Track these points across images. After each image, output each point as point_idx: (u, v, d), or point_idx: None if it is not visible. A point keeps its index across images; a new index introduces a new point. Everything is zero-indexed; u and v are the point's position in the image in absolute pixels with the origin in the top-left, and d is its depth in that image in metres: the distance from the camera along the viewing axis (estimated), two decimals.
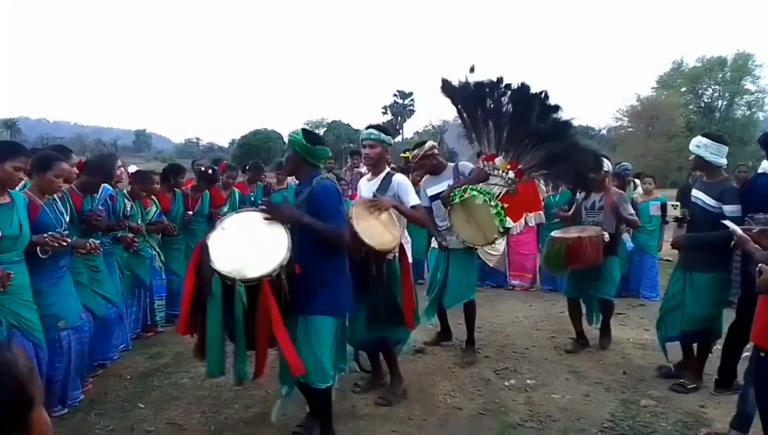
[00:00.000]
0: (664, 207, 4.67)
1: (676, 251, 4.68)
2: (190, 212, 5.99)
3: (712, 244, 4.06)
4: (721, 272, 4.19)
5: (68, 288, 3.63)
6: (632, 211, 5.33)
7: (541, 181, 5.31)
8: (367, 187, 4.14)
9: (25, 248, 3.21)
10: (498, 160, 4.84)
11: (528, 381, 4.49)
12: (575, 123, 5.05)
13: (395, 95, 69.13)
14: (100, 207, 4.24)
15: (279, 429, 3.51)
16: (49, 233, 3.30)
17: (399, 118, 68.61)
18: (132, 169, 5.58)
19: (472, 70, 4.95)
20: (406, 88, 73.01)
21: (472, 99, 4.99)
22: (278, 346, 2.96)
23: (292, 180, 6.90)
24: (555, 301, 7.28)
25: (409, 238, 4.26)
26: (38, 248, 3.27)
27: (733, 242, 3.66)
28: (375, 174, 4.13)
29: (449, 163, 4.96)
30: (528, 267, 8.16)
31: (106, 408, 3.85)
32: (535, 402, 4.08)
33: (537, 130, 4.79)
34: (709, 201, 4.12)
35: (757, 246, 2.99)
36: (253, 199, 7.11)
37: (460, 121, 5.26)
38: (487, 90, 4.89)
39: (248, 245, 2.97)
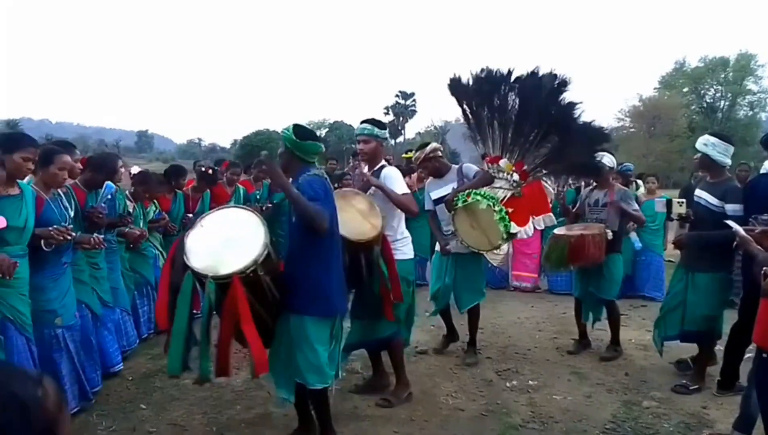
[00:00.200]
0: (669, 203, 4.64)
1: (678, 252, 4.67)
2: (190, 215, 6.00)
3: (714, 243, 4.06)
4: (723, 272, 4.19)
5: (68, 286, 3.64)
6: (636, 206, 5.25)
7: (548, 182, 5.16)
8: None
9: (29, 242, 3.21)
10: (503, 162, 4.77)
11: (530, 382, 4.48)
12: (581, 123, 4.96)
13: (397, 96, 69.20)
14: (103, 204, 4.26)
15: (280, 430, 3.51)
16: (54, 227, 3.30)
17: (401, 118, 68.63)
18: (135, 169, 5.59)
19: (483, 71, 4.88)
20: (408, 89, 73.10)
21: (479, 96, 4.91)
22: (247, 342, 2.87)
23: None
24: (557, 302, 7.28)
25: (407, 234, 4.11)
26: (42, 241, 3.27)
27: (735, 243, 3.66)
28: (371, 169, 4.10)
29: (453, 166, 4.90)
30: (531, 267, 8.10)
31: (108, 409, 3.85)
32: (536, 403, 4.07)
33: (545, 117, 4.68)
34: (713, 200, 4.12)
35: (759, 247, 2.98)
36: (258, 197, 7.12)
37: (462, 121, 5.20)
38: (494, 84, 4.81)
39: (224, 242, 2.94)
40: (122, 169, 5.11)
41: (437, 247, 5.01)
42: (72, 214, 3.73)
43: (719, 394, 4.14)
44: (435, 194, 4.82)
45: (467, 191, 4.42)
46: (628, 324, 6.25)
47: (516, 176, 4.75)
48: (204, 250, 2.91)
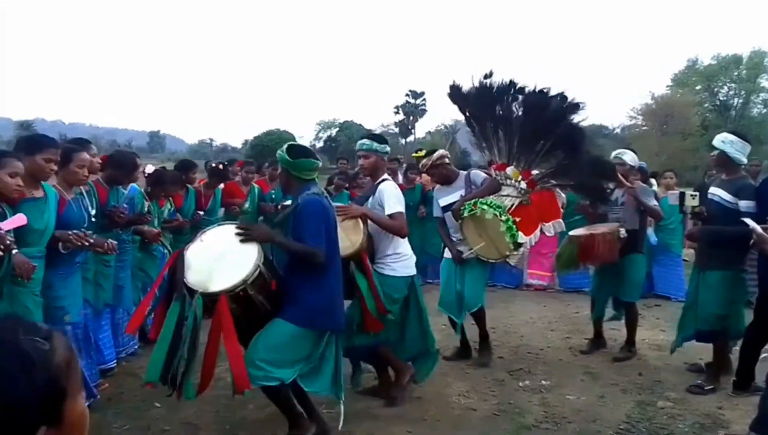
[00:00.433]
0: (682, 196, 4.59)
1: (693, 252, 4.64)
2: (201, 212, 6.03)
3: (726, 238, 4.06)
4: (734, 270, 4.17)
5: (77, 284, 3.70)
6: (656, 202, 5.12)
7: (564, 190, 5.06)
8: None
9: (47, 244, 3.26)
10: (510, 170, 4.73)
11: (542, 382, 4.46)
12: (588, 122, 4.90)
13: (407, 95, 68.95)
14: (125, 204, 4.33)
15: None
16: (74, 232, 3.35)
17: (411, 117, 68.42)
18: (149, 168, 5.62)
19: (489, 75, 4.84)
20: (418, 88, 73.04)
21: (480, 106, 4.88)
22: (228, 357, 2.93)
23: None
24: (569, 302, 7.24)
25: (404, 251, 3.99)
26: (60, 244, 3.33)
27: (752, 241, 3.64)
28: (373, 182, 4.09)
29: (461, 172, 4.86)
30: (547, 266, 8.03)
31: (122, 407, 3.88)
32: (549, 403, 4.06)
33: (549, 135, 4.67)
34: (726, 196, 4.12)
35: None
36: (273, 196, 7.16)
37: (470, 129, 5.15)
38: (496, 95, 4.78)
39: (217, 259, 3.03)
40: (141, 168, 5.17)
41: (446, 254, 4.94)
42: (93, 212, 3.78)
43: (735, 395, 4.10)
44: (443, 201, 4.78)
45: (474, 200, 4.39)
46: (641, 324, 6.18)
47: (523, 184, 4.71)
48: (198, 264, 3.01)
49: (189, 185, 6.03)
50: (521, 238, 4.30)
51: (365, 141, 4.04)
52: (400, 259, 3.97)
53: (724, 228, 4.09)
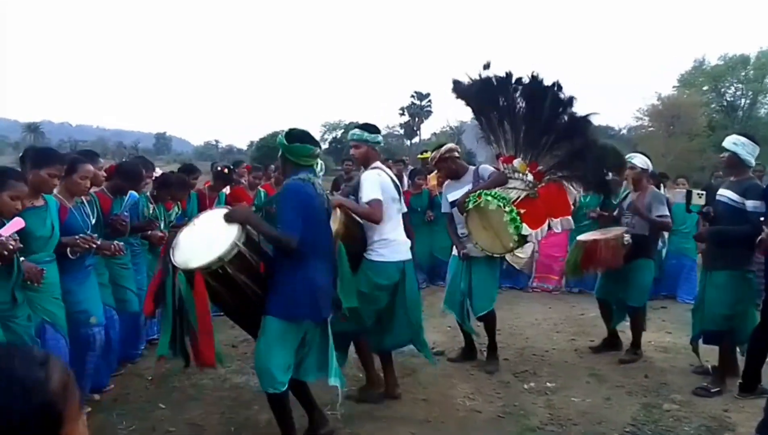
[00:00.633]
0: (689, 195, 4.57)
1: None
2: None
3: (733, 238, 4.07)
4: (739, 270, 4.17)
5: (93, 285, 3.79)
6: (665, 211, 4.99)
7: (572, 184, 4.94)
8: None
9: (56, 249, 3.35)
10: (516, 162, 4.68)
11: (548, 384, 4.45)
12: (594, 122, 4.82)
13: (412, 96, 68.99)
14: (126, 212, 4.38)
15: (297, 430, 3.52)
16: (80, 235, 3.45)
17: (416, 119, 68.44)
18: (157, 172, 5.65)
19: (487, 66, 4.77)
20: (424, 89, 72.72)
21: (484, 98, 4.83)
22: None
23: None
24: (575, 304, 7.22)
25: (391, 237, 3.92)
26: (68, 249, 3.42)
27: (759, 238, 3.65)
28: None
29: (470, 167, 4.83)
30: (556, 269, 7.99)
31: (127, 408, 3.90)
32: (555, 405, 4.04)
33: (553, 127, 4.61)
34: (734, 196, 4.12)
35: None
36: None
37: (477, 121, 5.15)
38: (498, 87, 4.72)
39: (202, 239, 3.13)
40: (151, 174, 5.23)
41: (454, 251, 4.92)
42: (93, 221, 3.83)
43: (741, 397, 4.08)
44: (452, 196, 4.75)
45: (478, 192, 4.35)
46: (647, 326, 6.17)
47: (530, 176, 4.65)
48: (185, 244, 3.14)
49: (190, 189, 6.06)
50: (525, 230, 4.19)
51: (356, 131, 4.06)
52: (389, 244, 3.89)
53: (729, 227, 4.11)
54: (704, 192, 4.42)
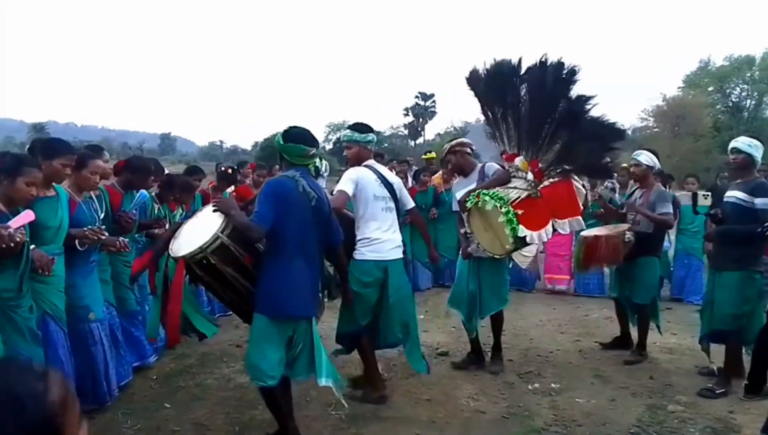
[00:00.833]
0: (695, 196, 4.54)
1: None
2: None
3: (739, 237, 4.09)
4: (748, 270, 4.17)
5: (96, 282, 3.83)
6: (669, 209, 4.92)
7: (583, 181, 4.76)
8: None
9: (64, 241, 3.39)
10: (518, 160, 4.57)
11: (552, 385, 4.44)
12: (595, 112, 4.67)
13: (417, 97, 68.87)
14: (134, 210, 4.41)
15: (301, 430, 3.52)
16: (89, 227, 3.51)
17: (420, 119, 68.33)
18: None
19: (494, 64, 4.66)
20: (428, 90, 72.77)
21: (492, 92, 4.74)
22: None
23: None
24: (579, 305, 7.21)
25: (373, 236, 4.00)
26: (77, 241, 3.46)
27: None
28: None
29: (479, 164, 4.78)
30: (564, 269, 7.97)
31: (133, 408, 3.91)
32: (559, 406, 4.04)
33: (554, 111, 4.42)
34: (741, 195, 4.13)
35: None
36: None
37: (483, 121, 5.08)
38: (507, 77, 4.58)
39: (196, 230, 3.25)
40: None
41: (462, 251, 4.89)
42: (102, 216, 3.88)
43: (746, 399, 4.07)
44: (459, 194, 4.67)
45: (477, 191, 4.27)
46: (652, 327, 6.15)
47: (531, 175, 4.52)
48: (182, 235, 3.30)
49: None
50: (522, 231, 4.03)
51: (346, 132, 4.25)
52: (369, 243, 3.99)
53: (736, 227, 4.13)
54: (709, 193, 4.43)
